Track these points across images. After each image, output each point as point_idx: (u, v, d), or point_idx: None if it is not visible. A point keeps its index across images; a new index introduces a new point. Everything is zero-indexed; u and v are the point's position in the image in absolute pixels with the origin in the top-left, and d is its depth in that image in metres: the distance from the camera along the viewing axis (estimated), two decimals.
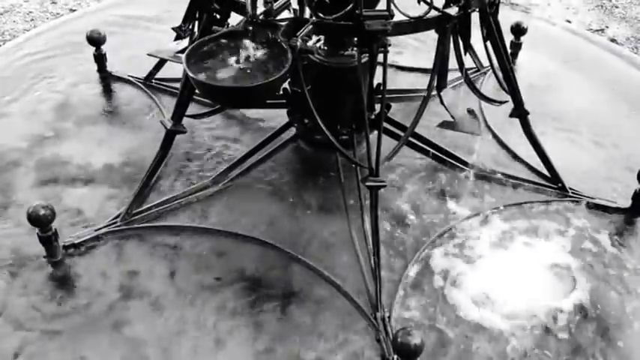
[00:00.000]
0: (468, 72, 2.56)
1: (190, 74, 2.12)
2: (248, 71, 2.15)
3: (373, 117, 2.73)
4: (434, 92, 2.53)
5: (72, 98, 3.34)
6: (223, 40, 2.23)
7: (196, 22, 2.59)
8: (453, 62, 2.46)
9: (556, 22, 4.45)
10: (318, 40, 2.68)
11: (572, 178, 2.88)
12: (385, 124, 2.68)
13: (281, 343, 2.27)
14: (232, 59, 2.18)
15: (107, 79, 3.42)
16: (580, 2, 4.99)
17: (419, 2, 2.19)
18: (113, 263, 2.51)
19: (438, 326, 2.34)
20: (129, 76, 3.44)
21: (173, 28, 2.77)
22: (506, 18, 2.86)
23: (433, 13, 2.24)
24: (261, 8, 2.23)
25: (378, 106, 2.60)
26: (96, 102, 3.33)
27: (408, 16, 2.23)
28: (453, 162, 2.94)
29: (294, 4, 2.42)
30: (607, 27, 4.69)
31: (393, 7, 2.16)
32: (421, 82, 3.16)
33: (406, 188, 2.87)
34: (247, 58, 2.18)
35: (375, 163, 2.37)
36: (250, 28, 2.22)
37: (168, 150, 2.77)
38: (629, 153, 3.09)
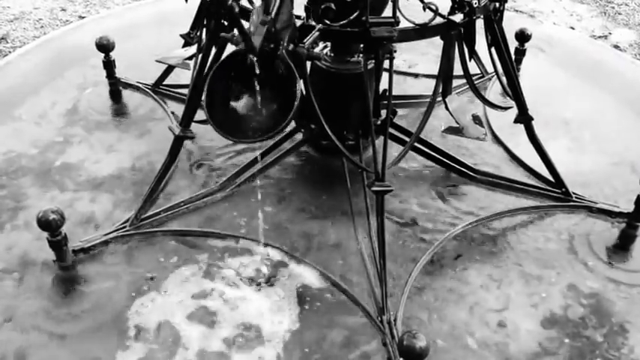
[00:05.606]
0: (473, 78, 2.58)
1: (216, 129, 2.07)
2: (261, 108, 2.10)
3: (379, 122, 2.75)
4: (439, 98, 2.56)
5: (81, 104, 3.37)
6: (233, 63, 2.14)
7: (204, 29, 2.61)
8: (458, 68, 2.48)
9: (560, 28, 4.48)
10: (325, 47, 2.70)
11: (575, 183, 2.89)
12: (391, 130, 2.70)
13: (289, 346, 2.29)
14: (244, 96, 2.14)
15: (116, 85, 3.43)
16: (583, 9, 5.01)
17: (424, 9, 2.22)
18: (122, 267, 2.54)
19: (444, 329, 2.36)
20: (137, 82, 3.46)
21: (181, 35, 2.78)
22: (510, 25, 2.88)
23: (438, 20, 2.27)
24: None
25: (384, 112, 2.62)
26: (105, 108, 3.36)
27: (413, 23, 2.26)
28: (458, 167, 2.96)
29: (301, 12, 2.44)
30: (610, 33, 4.70)
31: (398, 14, 2.18)
32: (427, 87, 3.18)
33: (412, 193, 2.89)
34: (257, 90, 2.11)
35: (381, 168, 2.39)
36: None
37: (176, 155, 2.79)
38: (632, 158, 3.11)
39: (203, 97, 2.11)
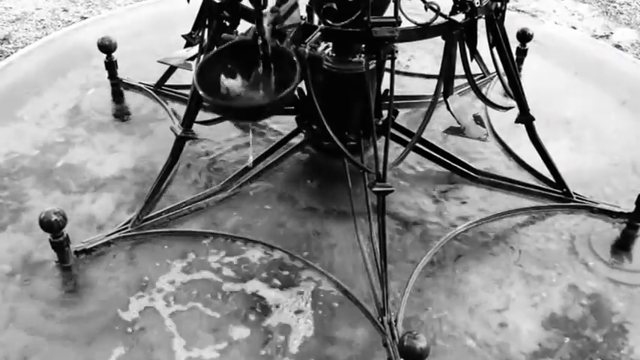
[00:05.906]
0: (475, 78, 2.58)
1: (201, 92, 2.05)
2: (258, 85, 2.13)
3: (380, 123, 2.76)
4: (441, 98, 2.56)
5: (83, 105, 3.37)
6: (233, 52, 2.19)
7: (206, 30, 2.61)
8: (459, 68, 2.48)
9: (561, 28, 4.48)
10: (327, 47, 2.70)
11: (576, 184, 2.89)
12: (392, 130, 2.70)
13: (290, 347, 2.29)
14: (242, 73, 2.15)
15: (118, 85, 3.43)
16: (585, 9, 5.01)
17: (426, 9, 2.22)
18: (124, 268, 2.54)
19: (444, 330, 2.37)
20: (139, 82, 3.46)
21: (183, 36, 2.79)
22: (512, 24, 2.88)
23: (440, 20, 2.27)
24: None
25: (385, 112, 2.62)
26: (107, 108, 3.36)
27: (415, 23, 2.26)
28: (459, 168, 2.96)
29: (303, 12, 2.44)
30: (612, 33, 4.71)
31: (400, 14, 2.19)
32: (429, 88, 3.18)
33: (413, 194, 2.89)
34: (257, 70, 2.15)
35: (382, 169, 2.40)
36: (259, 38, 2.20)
37: (178, 156, 2.79)
38: (633, 158, 3.11)
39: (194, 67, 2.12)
